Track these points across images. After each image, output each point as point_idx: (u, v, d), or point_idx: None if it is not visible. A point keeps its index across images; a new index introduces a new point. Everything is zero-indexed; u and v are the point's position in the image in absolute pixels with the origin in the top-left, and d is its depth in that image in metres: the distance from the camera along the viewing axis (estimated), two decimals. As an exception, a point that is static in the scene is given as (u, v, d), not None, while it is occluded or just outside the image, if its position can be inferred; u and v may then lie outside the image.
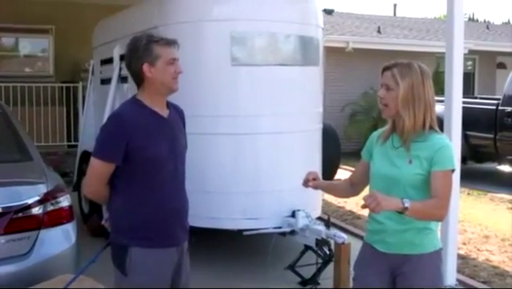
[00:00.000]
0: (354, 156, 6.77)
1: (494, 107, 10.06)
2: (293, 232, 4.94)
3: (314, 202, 5.33)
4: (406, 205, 2.41)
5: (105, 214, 2.95)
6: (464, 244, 6.26)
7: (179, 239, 2.79)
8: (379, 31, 15.98)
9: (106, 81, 6.65)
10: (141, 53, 2.64)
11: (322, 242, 4.75)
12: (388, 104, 2.63)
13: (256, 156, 5.14)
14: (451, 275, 4.79)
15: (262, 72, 5.09)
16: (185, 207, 2.83)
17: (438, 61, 13.84)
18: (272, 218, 5.00)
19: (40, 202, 3.57)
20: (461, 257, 5.54)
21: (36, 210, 3.55)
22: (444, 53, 4.87)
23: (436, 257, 2.67)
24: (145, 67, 2.64)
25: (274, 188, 5.06)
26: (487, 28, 20.05)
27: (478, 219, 7.46)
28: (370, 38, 15.19)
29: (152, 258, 2.67)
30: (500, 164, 10.92)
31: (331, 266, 4.72)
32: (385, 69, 2.66)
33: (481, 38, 17.26)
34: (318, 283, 4.86)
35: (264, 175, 5.11)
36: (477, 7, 62.87)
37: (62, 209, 3.70)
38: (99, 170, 2.67)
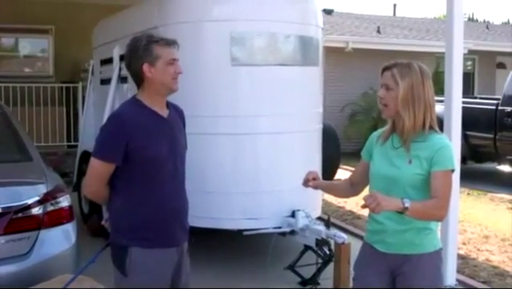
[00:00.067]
0: (354, 156, 6.78)
1: (494, 107, 10.07)
2: (293, 232, 4.94)
3: (314, 202, 5.33)
4: (406, 205, 2.41)
5: (105, 214, 2.95)
6: (464, 244, 6.27)
7: (179, 239, 2.79)
8: (378, 31, 15.97)
9: (106, 81, 6.65)
10: (141, 53, 2.64)
11: (322, 242, 4.75)
12: (388, 104, 2.63)
13: (256, 157, 5.14)
14: (451, 275, 4.79)
15: (262, 72, 5.09)
16: (185, 207, 2.84)
17: (438, 61, 13.84)
18: (272, 218, 5.00)
19: (40, 202, 3.57)
20: (460, 257, 5.54)
21: (36, 210, 3.55)
22: (443, 53, 4.87)
23: (436, 257, 2.67)
24: (145, 67, 2.64)
25: (274, 188, 5.06)
26: (487, 28, 20.06)
27: (478, 219, 7.46)
28: (370, 38, 15.19)
29: (152, 259, 2.67)
30: (500, 164, 10.93)
31: (330, 266, 4.72)
32: (385, 69, 2.66)
33: (480, 38, 17.27)
34: (318, 283, 4.86)
35: (264, 175, 5.11)
36: (476, 7, 62.97)
37: (62, 209, 3.70)
38: (99, 170, 2.67)
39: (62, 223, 3.70)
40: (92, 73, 7.49)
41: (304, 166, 5.17)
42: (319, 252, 4.85)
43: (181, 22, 5.15)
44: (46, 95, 10.01)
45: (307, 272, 4.91)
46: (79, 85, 10.08)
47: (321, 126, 5.67)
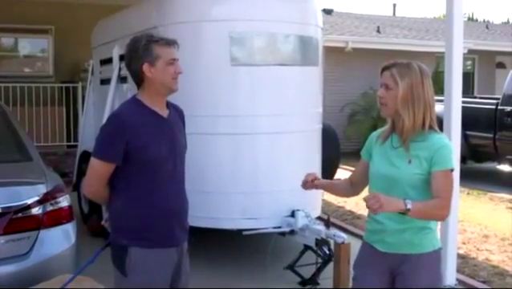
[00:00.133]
0: (353, 156, 6.77)
1: (494, 107, 10.07)
2: (292, 232, 4.95)
3: (313, 202, 5.33)
4: (408, 206, 2.41)
5: (105, 214, 2.95)
6: (463, 244, 6.27)
7: (179, 239, 2.79)
8: (378, 31, 15.97)
9: (105, 81, 6.65)
10: (141, 53, 2.64)
11: (321, 242, 4.75)
12: (387, 104, 2.63)
13: (255, 156, 5.14)
14: (451, 275, 4.80)
15: (262, 72, 5.09)
16: (185, 207, 2.84)
17: (438, 61, 13.86)
18: (271, 218, 5.00)
19: (40, 202, 3.57)
20: (460, 256, 5.54)
21: (36, 210, 3.55)
22: (443, 53, 4.88)
23: (436, 257, 2.68)
24: (145, 67, 2.64)
25: (274, 188, 5.06)
26: (486, 28, 20.06)
27: (478, 219, 7.46)
28: (369, 38, 15.19)
29: (151, 259, 2.67)
30: (500, 163, 10.93)
31: (330, 266, 4.72)
32: (384, 69, 2.66)
33: (480, 38, 17.27)
34: (318, 283, 4.86)
35: (263, 175, 5.11)
36: (476, 7, 62.86)
37: (61, 209, 3.70)
38: (98, 170, 2.67)
39: (61, 223, 3.70)
40: (92, 73, 7.49)
41: (304, 166, 5.22)
42: (319, 252, 4.85)
43: (181, 22, 5.15)
44: (46, 95, 10.01)
45: (307, 272, 4.91)
46: (79, 85, 10.08)
47: (321, 126, 5.67)
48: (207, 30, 5.13)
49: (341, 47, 14.17)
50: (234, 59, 5.02)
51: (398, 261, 2.65)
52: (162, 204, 2.70)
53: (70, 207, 3.79)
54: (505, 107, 9.88)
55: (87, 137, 7.05)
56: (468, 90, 15.66)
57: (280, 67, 5.14)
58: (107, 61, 6.59)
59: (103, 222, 2.90)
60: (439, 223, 2.76)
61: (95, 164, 2.67)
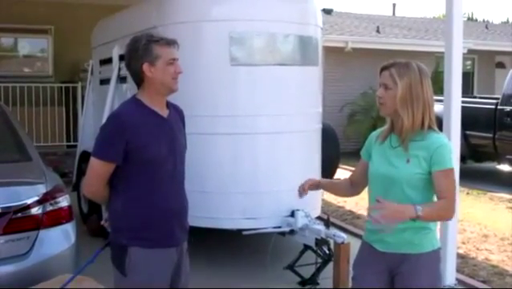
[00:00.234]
0: (353, 155, 6.78)
1: (493, 107, 10.07)
2: (292, 232, 4.95)
3: (313, 202, 5.33)
4: (419, 213, 2.44)
5: (104, 214, 2.95)
6: (463, 243, 6.27)
7: (178, 239, 2.79)
8: (378, 31, 15.97)
9: (105, 81, 6.65)
10: (141, 53, 2.64)
11: (321, 242, 4.75)
12: (386, 103, 2.64)
13: (255, 156, 5.14)
14: (450, 275, 4.79)
15: (261, 72, 5.09)
16: (185, 207, 2.84)
17: (437, 60, 13.85)
18: (271, 218, 5.00)
19: (39, 202, 3.57)
20: (460, 256, 5.54)
21: (35, 210, 3.55)
22: (443, 52, 4.88)
23: (435, 256, 2.68)
24: (145, 66, 2.64)
25: (274, 188, 5.06)
26: (486, 28, 20.05)
27: (477, 218, 7.46)
28: (369, 38, 15.19)
29: (151, 259, 2.67)
30: (499, 163, 10.93)
31: (330, 266, 4.73)
32: (383, 69, 2.67)
33: (480, 38, 17.27)
34: (318, 283, 4.86)
35: (263, 175, 5.11)
36: (476, 7, 62.81)
37: (61, 209, 3.69)
38: (98, 170, 2.67)
39: (61, 223, 3.69)
40: (92, 73, 7.49)
41: (303, 166, 5.23)
42: (319, 252, 4.85)
43: (180, 22, 5.15)
44: (46, 95, 10.01)
45: (307, 272, 4.91)
46: (79, 85, 10.08)
47: (320, 126, 5.67)
48: (207, 30, 5.13)
49: (341, 47, 14.17)
50: (234, 59, 5.02)
51: (397, 260, 2.65)
52: (162, 204, 2.70)
53: (69, 207, 3.79)
54: (504, 107, 9.88)
55: (87, 137, 7.05)
56: (467, 90, 15.66)
57: (280, 67, 5.14)
58: (107, 61, 6.59)
59: (102, 222, 2.90)
60: (438, 223, 2.76)
61: (94, 163, 2.66)
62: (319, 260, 4.86)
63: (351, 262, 2.99)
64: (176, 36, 2.78)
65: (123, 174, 2.66)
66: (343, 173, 7.63)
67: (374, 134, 2.84)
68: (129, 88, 5.56)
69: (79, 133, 8.37)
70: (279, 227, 5.00)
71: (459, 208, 5.26)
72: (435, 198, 2.67)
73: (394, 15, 22.98)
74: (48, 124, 9.78)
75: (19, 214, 3.48)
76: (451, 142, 4.21)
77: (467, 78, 16.14)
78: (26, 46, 11.52)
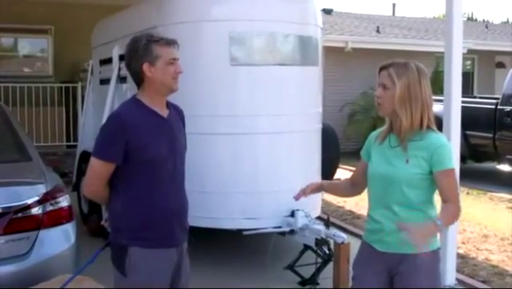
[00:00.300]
0: (353, 155, 6.78)
1: (493, 107, 10.07)
2: (292, 232, 4.95)
3: (313, 202, 5.33)
4: (441, 227, 2.48)
5: (104, 214, 2.95)
6: (463, 243, 6.27)
7: (179, 239, 2.79)
8: (378, 31, 15.97)
9: (105, 81, 6.65)
10: (141, 53, 2.64)
11: (321, 242, 4.75)
12: (384, 103, 2.64)
13: (255, 156, 5.14)
14: (450, 275, 4.79)
15: (261, 72, 5.09)
16: (185, 207, 2.83)
17: (437, 60, 13.85)
18: (271, 218, 5.00)
19: (39, 202, 3.57)
20: (460, 256, 5.54)
21: (35, 210, 3.55)
22: (443, 52, 4.88)
23: (434, 257, 2.67)
24: (145, 66, 2.64)
25: (273, 188, 5.06)
26: (486, 27, 20.06)
27: (478, 218, 7.46)
28: (369, 38, 15.19)
29: (151, 259, 2.67)
30: (499, 163, 10.93)
31: (330, 266, 4.73)
32: (382, 68, 2.67)
33: (480, 38, 17.27)
34: (318, 283, 4.86)
35: (263, 175, 5.11)
36: (476, 7, 62.80)
37: (61, 209, 3.70)
38: (98, 170, 2.67)
39: (61, 223, 3.69)
40: (92, 73, 7.49)
41: (303, 166, 5.23)
42: (319, 252, 4.85)
43: (180, 22, 5.15)
44: (46, 95, 10.01)
45: (307, 272, 4.91)
46: (79, 85, 10.08)
47: (320, 126, 5.67)
48: (207, 30, 5.14)
49: (341, 47, 14.17)
50: (234, 59, 5.02)
51: (396, 260, 2.65)
52: (162, 204, 2.70)
53: (70, 207, 3.79)
54: (504, 107, 9.88)
55: (87, 137, 7.05)
56: (467, 90, 15.66)
57: (280, 67, 5.14)
58: (107, 61, 6.59)
59: (102, 222, 2.90)
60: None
61: (95, 163, 2.66)
62: (319, 260, 4.86)
63: (351, 262, 2.99)
64: (176, 36, 2.78)
65: (124, 174, 2.66)
66: (343, 173, 7.63)
67: (373, 134, 2.84)
68: (129, 88, 5.56)
69: (79, 133, 8.37)
70: (279, 227, 5.00)
71: (459, 208, 5.29)
72: (434, 198, 2.68)
73: (394, 15, 22.99)
74: (48, 124, 9.78)
75: (19, 214, 3.48)
76: (451, 142, 4.23)
77: (467, 78, 16.14)
78: (26, 46, 11.52)
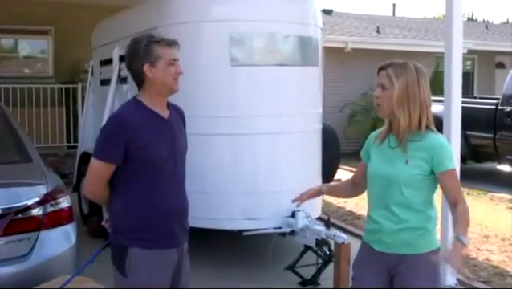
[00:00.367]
0: (353, 156, 6.78)
1: (494, 107, 10.07)
2: (293, 232, 4.94)
3: (314, 202, 5.31)
4: (464, 241, 2.44)
5: (105, 215, 2.95)
6: (463, 244, 6.25)
7: (179, 240, 2.79)
8: (378, 31, 15.97)
9: (105, 82, 6.65)
10: (142, 54, 2.64)
11: (322, 243, 4.75)
12: (383, 104, 2.64)
13: (255, 157, 5.14)
14: (451, 275, 4.79)
15: (261, 73, 5.10)
16: (185, 208, 2.83)
17: (437, 61, 13.85)
18: (272, 219, 5.00)
19: (40, 203, 3.57)
20: (460, 256, 5.53)
21: (36, 211, 3.55)
22: (443, 53, 4.87)
23: (434, 257, 2.67)
24: (146, 67, 2.64)
25: (274, 188, 5.05)
26: (486, 28, 20.06)
27: (478, 219, 7.45)
28: (369, 39, 15.19)
29: (151, 259, 2.66)
30: (500, 163, 10.93)
31: (331, 267, 4.73)
32: (381, 69, 2.67)
33: (480, 38, 17.27)
34: (319, 284, 4.86)
35: (263, 175, 5.11)
36: (476, 7, 62.93)
37: (61, 210, 3.70)
38: (99, 171, 2.67)
39: (62, 224, 3.70)
40: (92, 74, 7.49)
41: (304, 167, 5.23)
42: (319, 252, 4.85)
43: (181, 22, 5.15)
44: (46, 95, 10.01)
45: (307, 272, 4.91)
46: (79, 86, 10.08)
47: (320, 126, 5.67)
48: (207, 30, 5.14)
49: (341, 48, 14.17)
50: (234, 60, 5.02)
51: (395, 261, 2.65)
52: (162, 204, 2.70)
53: (70, 208, 3.79)
54: (504, 108, 9.88)
55: (87, 138, 7.05)
56: (468, 90, 15.65)
57: (280, 68, 5.14)
58: (107, 62, 6.59)
59: (103, 223, 2.90)
60: (438, 223, 2.76)
61: (95, 164, 2.67)
62: (320, 261, 4.85)
63: (352, 262, 2.99)
64: (176, 37, 2.78)
65: (124, 175, 2.66)
66: (343, 174, 7.63)
67: (373, 135, 2.84)
68: (129, 89, 5.56)
69: (79, 134, 8.37)
70: (280, 228, 5.00)
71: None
72: (434, 199, 2.68)
73: (394, 15, 22.99)
74: (48, 125, 9.79)
75: (20, 215, 3.48)
76: (451, 142, 4.23)
77: (467, 78, 16.14)
78: (27, 47, 11.53)
